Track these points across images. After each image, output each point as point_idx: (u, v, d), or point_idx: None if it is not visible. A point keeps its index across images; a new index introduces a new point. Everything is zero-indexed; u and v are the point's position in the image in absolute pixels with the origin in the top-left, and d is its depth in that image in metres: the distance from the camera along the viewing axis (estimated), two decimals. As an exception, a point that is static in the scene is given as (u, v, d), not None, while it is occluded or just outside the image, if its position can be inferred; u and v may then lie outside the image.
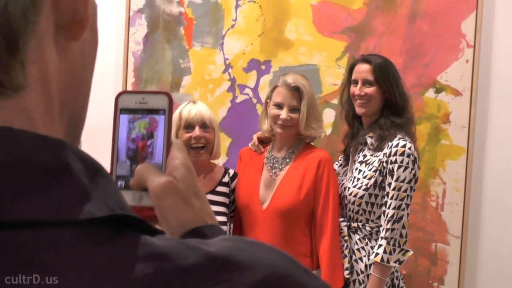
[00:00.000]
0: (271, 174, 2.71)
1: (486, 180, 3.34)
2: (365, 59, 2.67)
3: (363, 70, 2.64)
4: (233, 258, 0.47)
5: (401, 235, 2.49)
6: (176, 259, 0.44)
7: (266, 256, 0.50)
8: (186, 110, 2.67)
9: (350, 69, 2.73)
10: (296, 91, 2.62)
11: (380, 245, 2.49)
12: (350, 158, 2.73)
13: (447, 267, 3.34)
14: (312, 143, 2.79)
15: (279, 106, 2.64)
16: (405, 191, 2.49)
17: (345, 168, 2.80)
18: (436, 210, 3.33)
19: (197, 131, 2.64)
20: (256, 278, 0.47)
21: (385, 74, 2.61)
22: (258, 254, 0.50)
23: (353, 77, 2.68)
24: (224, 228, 2.71)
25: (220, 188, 2.77)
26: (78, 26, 0.52)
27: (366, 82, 2.62)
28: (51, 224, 0.42)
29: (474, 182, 3.32)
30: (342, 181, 2.73)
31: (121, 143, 0.83)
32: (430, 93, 3.29)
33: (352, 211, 2.61)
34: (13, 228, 0.41)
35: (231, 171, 2.85)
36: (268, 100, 2.72)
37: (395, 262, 2.48)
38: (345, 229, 2.63)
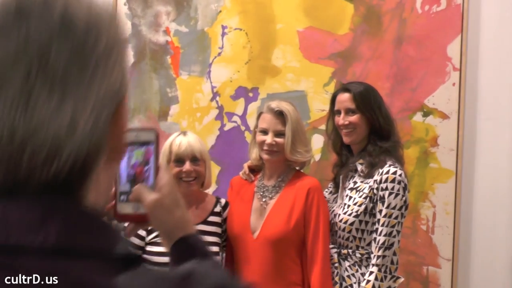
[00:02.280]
0: (261, 202, 2.70)
1: (476, 202, 3.34)
2: (345, 88, 2.68)
3: (344, 99, 2.65)
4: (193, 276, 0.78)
5: (392, 262, 2.49)
6: (163, 272, 0.78)
7: (214, 274, 0.81)
8: (176, 144, 2.65)
9: (332, 100, 2.74)
10: (280, 115, 2.62)
11: (371, 272, 2.48)
12: (340, 185, 2.73)
13: (440, 290, 3.34)
14: (302, 170, 2.79)
15: (265, 131, 2.65)
16: (396, 218, 2.49)
17: (335, 195, 2.79)
18: (427, 233, 3.33)
19: (187, 166, 2.62)
20: (207, 285, 0.77)
21: (366, 100, 2.62)
22: (209, 273, 0.81)
23: (335, 108, 2.70)
24: (213, 249, 2.70)
25: (212, 218, 2.76)
26: (119, 155, 0.84)
27: (348, 111, 2.63)
28: (99, 254, 0.71)
29: (464, 204, 3.32)
30: (332, 208, 2.72)
31: (123, 168, 1.14)
32: (418, 117, 3.31)
33: (342, 238, 2.61)
34: (77, 255, 0.69)
35: (223, 201, 2.84)
36: (256, 129, 2.72)
37: (386, 289, 2.48)
38: (335, 256, 2.62)
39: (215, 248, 2.70)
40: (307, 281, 2.61)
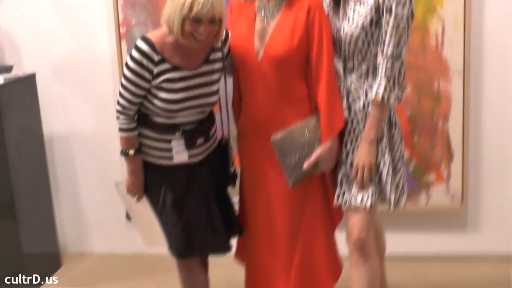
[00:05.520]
0: (263, 23, 2.63)
1: (487, 14, 3.25)
2: None
3: None
4: None
5: (399, 72, 2.45)
6: None
7: None
8: (199, 2, 2.45)
9: None
10: None
11: (379, 84, 2.45)
12: (342, -1, 2.63)
13: (451, 104, 3.31)
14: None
15: None
16: (403, 28, 2.42)
17: (336, 10, 2.69)
18: (436, 48, 3.27)
19: (203, 28, 2.48)
20: None
21: None
22: None
23: None
24: (215, 87, 2.69)
25: (213, 56, 2.68)
26: None
27: None
28: None
29: (474, 15, 3.23)
30: (334, 22, 2.64)
31: None
32: None
33: (348, 52, 2.55)
34: None
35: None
36: None
37: (394, 99, 2.45)
38: (341, 70, 2.58)
39: (216, 87, 2.69)
40: (314, 97, 2.59)
